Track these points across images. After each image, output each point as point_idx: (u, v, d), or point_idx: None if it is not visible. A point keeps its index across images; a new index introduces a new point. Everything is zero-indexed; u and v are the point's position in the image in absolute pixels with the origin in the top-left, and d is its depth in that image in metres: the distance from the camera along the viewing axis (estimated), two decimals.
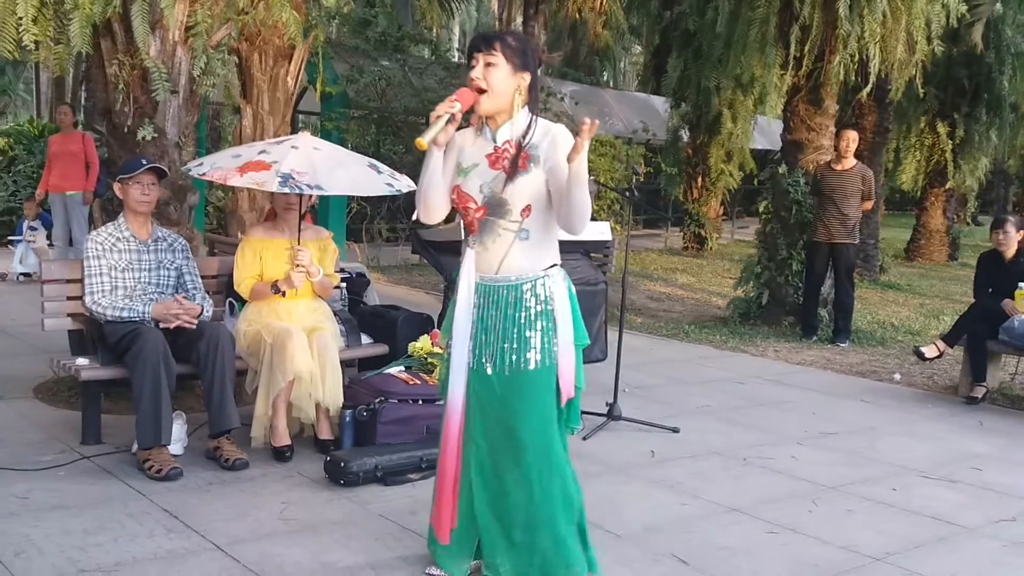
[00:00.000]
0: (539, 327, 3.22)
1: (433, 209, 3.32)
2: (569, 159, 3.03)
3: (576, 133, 3.02)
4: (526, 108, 3.24)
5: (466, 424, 3.35)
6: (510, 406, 3.24)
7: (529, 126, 3.21)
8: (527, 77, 3.22)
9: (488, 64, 3.16)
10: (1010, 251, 6.96)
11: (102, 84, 5.84)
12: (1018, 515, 4.51)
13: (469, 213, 3.26)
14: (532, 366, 3.22)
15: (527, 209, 3.18)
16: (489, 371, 3.26)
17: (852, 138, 8.93)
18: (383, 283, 11.63)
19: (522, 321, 3.22)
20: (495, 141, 3.24)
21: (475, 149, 3.28)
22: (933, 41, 9.49)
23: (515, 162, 3.17)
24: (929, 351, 7.19)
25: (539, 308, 3.22)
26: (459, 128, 3.26)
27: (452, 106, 3.12)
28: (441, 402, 4.89)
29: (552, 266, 3.27)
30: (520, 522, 3.27)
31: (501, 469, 3.29)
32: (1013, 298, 6.73)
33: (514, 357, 3.22)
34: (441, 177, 3.27)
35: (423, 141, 3.10)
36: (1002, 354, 7.08)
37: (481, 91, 3.17)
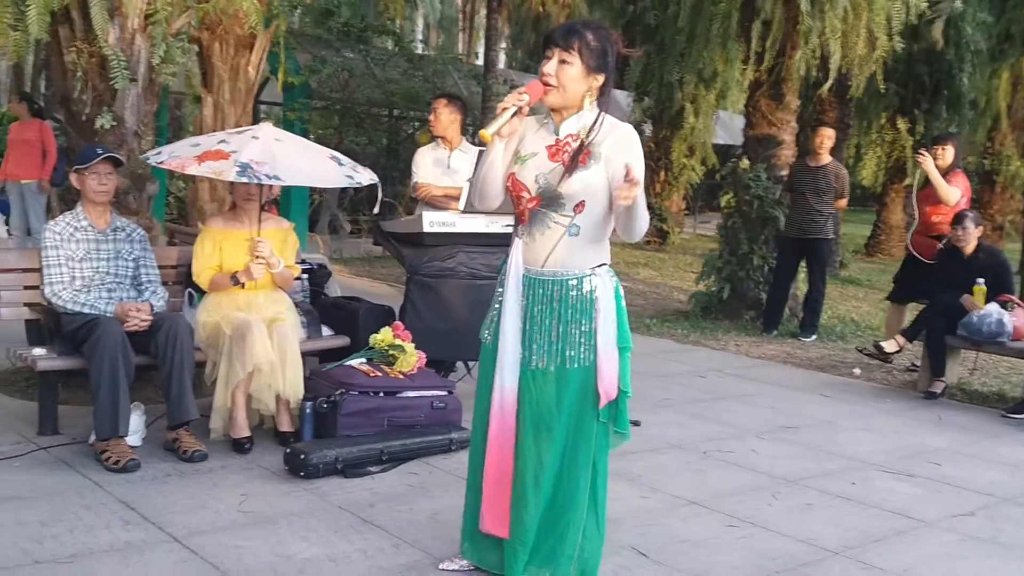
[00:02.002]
0: (582, 325, 3.17)
1: (489, 198, 3.27)
2: (619, 200, 2.98)
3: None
4: (594, 104, 3.19)
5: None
6: (544, 402, 3.19)
7: (595, 123, 3.14)
8: (600, 78, 3.15)
9: (563, 62, 3.09)
10: (969, 247, 7.04)
11: (60, 72, 5.74)
12: (975, 509, 4.57)
13: (522, 202, 3.21)
14: (572, 364, 3.17)
15: (581, 205, 3.12)
16: (532, 366, 3.21)
17: (828, 135, 8.94)
18: (345, 275, 11.56)
19: (565, 318, 3.17)
20: (557, 134, 3.18)
21: (536, 138, 3.22)
22: (894, 38, 9.57)
23: (576, 157, 3.11)
24: (889, 346, 7.27)
25: (584, 306, 3.17)
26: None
27: (520, 98, 3.06)
28: (405, 394, 4.92)
29: (600, 265, 3.21)
30: (532, 520, 3.22)
31: (527, 469, 3.22)
32: (972, 294, 6.81)
33: (554, 353, 3.18)
34: (500, 167, 3.21)
35: (487, 133, 3.04)
36: (961, 349, 7.16)
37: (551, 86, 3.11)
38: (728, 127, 22.40)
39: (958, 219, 7.10)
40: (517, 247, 3.24)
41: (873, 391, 7.14)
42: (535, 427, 3.21)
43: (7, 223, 10.95)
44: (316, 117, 15.75)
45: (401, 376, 5.02)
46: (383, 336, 5.19)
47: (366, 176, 5.08)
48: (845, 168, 9.39)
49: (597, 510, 3.32)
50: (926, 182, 7.80)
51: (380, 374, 4.98)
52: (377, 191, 5.35)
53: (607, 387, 3.18)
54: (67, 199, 5.81)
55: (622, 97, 19.99)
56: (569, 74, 3.10)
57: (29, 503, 3.89)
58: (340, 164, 5.06)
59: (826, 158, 8.92)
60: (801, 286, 9.53)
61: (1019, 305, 6.82)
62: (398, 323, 5.38)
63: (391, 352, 5.13)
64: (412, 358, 5.11)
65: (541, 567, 3.27)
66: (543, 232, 3.17)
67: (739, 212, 9.73)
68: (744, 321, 9.58)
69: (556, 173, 3.14)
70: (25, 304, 5.01)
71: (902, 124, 17.33)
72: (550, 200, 3.15)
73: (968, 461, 5.39)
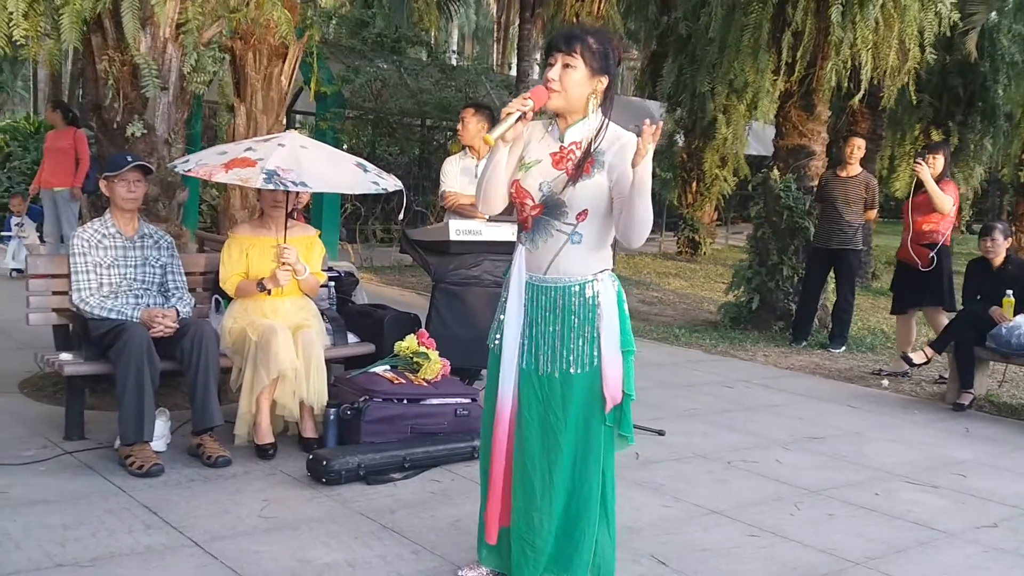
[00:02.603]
0: (585, 330, 3.18)
1: (492, 201, 3.29)
2: (633, 163, 2.98)
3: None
4: (599, 111, 3.20)
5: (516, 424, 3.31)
6: (550, 408, 3.21)
7: (600, 130, 3.16)
8: (604, 81, 3.17)
9: (566, 66, 3.11)
10: (998, 258, 6.98)
11: (93, 80, 5.83)
12: (1000, 521, 4.52)
13: (525, 209, 3.23)
14: (575, 369, 3.18)
15: (584, 213, 3.13)
16: (539, 372, 3.23)
17: (859, 145, 8.87)
18: (375, 284, 11.62)
19: (569, 323, 3.19)
20: (562, 141, 3.20)
21: (541, 145, 3.24)
22: (926, 49, 9.50)
23: (580, 165, 3.13)
24: (917, 357, 7.20)
25: (586, 312, 3.18)
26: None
27: (525, 104, 3.08)
28: (428, 401, 4.95)
29: (603, 270, 3.22)
30: (548, 531, 3.23)
31: (535, 472, 3.23)
32: (1001, 305, 6.74)
33: (558, 359, 3.19)
34: (504, 172, 3.23)
35: (491, 137, 3.07)
36: (990, 361, 7.09)
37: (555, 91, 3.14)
38: (760, 137, 22.29)
39: (986, 230, 7.04)
40: (520, 254, 3.26)
41: (901, 402, 7.08)
42: (543, 433, 3.22)
43: (40, 230, 11.10)
44: (349, 127, 15.85)
45: (425, 384, 5.04)
46: (408, 343, 5.22)
47: (391, 183, 5.11)
48: (876, 179, 9.30)
49: (608, 515, 3.32)
50: (915, 191, 7.86)
51: (404, 381, 5.00)
52: (404, 199, 5.38)
53: (612, 391, 3.19)
54: (98, 206, 5.88)
55: (655, 107, 19.97)
56: (573, 78, 3.12)
57: (54, 507, 3.94)
58: (365, 171, 5.10)
59: (856, 168, 8.84)
60: (831, 297, 9.46)
61: None
62: (423, 331, 5.40)
63: (415, 359, 5.15)
64: (436, 366, 5.13)
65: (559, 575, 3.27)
66: (546, 240, 3.19)
67: (769, 223, 9.68)
68: (773, 332, 9.54)
69: (560, 181, 3.15)
70: (53, 310, 5.08)
71: (936, 136, 17.13)
72: (553, 208, 3.16)
73: (994, 473, 5.33)
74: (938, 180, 7.63)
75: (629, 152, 3.08)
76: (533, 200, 3.19)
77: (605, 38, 3.17)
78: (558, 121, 3.23)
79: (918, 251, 7.75)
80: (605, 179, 3.13)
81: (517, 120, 3.08)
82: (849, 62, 9.20)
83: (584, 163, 3.13)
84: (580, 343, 3.18)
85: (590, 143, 3.15)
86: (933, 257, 7.66)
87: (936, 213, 7.63)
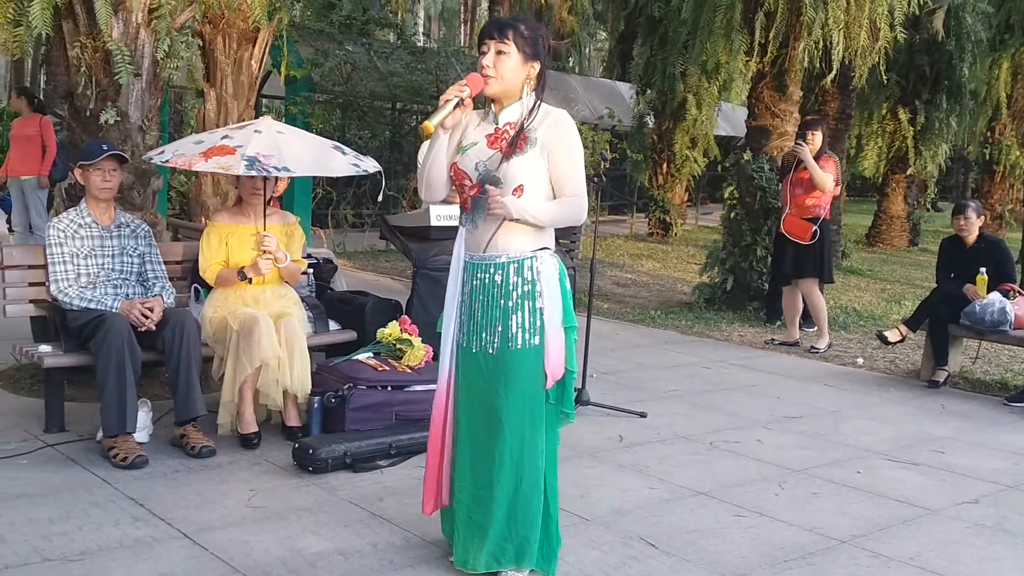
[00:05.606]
0: (526, 307, 3.23)
1: (434, 188, 3.37)
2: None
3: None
4: (533, 93, 3.28)
5: (456, 403, 3.39)
6: (493, 386, 3.26)
7: (532, 109, 3.25)
8: (536, 66, 3.26)
9: (499, 52, 3.19)
10: (971, 236, 7.05)
11: (63, 67, 5.75)
12: (980, 497, 4.58)
13: (464, 190, 3.29)
14: (517, 346, 3.23)
15: (519, 189, 3.20)
16: (475, 349, 3.29)
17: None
18: (349, 269, 11.57)
19: (509, 301, 3.24)
20: (496, 123, 3.27)
21: (477, 129, 3.32)
22: (895, 28, 9.56)
23: (513, 143, 3.21)
24: (892, 335, 7.28)
25: (526, 288, 3.24)
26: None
27: (462, 91, 3.16)
28: (412, 388, 4.94)
29: (543, 248, 3.28)
30: (499, 505, 3.27)
31: (482, 450, 3.30)
32: (974, 283, 6.82)
33: (499, 336, 3.24)
34: (444, 158, 3.31)
35: (430, 125, 3.13)
36: (963, 338, 7.17)
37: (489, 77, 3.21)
38: (730, 118, 22.38)
39: (959, 209, 7.12)
40: (460, 235, 3.35)
41: (876, 380, 7.15)
42: (487, 412, 3.28)
43: (8, 221, 10.94)
44: (318, 111, 15.71)
45: (408, 370, 5.03)
46: (390, 330, 5.20)
47: (370, 164, 5.11)
48: (836, 158, 9.35)
49: (551, 492, 3.38)
50: (796, 167, 8.06)
51: (388, 368, 4.99)
52: (380, 182, 5.36)
53: (554, 368, 3.26)
54: (72, 195, 5.81)
55: (625, 89, 19.98)
56: (507, 64, 3.20)
57: (38, 500, 3.91)
58: (344, 153, 5.09)
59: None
60: None
61: (1021, 294, 6.85)
62: (405, 317, 5.39)
63: (398, 346, 5.14)
64: (419, 352, 5.12)
65: (511, 559, 3.32)
66: (484, 219, 3.25)
67: (742, 203, 9.72)
68: (748, 312, 9.58)
69: (495, 160, 3.23)
70: (30, 301, 5.02)
71: (903, 114, 17.30)
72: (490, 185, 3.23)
73: (971, 449, 5.40)
74: (817, 156, 7.86)
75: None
76: (471, 180, 3.27)
77: (535, 26, 3.29)
78: (493, 105, 3.30)
79: (800, 225, 7.96)
80: (538, 154, 3.22)
81: (455, 107, 3.16)
82: (821, 42, 9.24)
83: (517, 140, 3.21)
84: (521, 320, 3.23)
85: (523, 121, 3.22)
86: (816, 231, 7.87)
87: (818, 189, 7.86)
